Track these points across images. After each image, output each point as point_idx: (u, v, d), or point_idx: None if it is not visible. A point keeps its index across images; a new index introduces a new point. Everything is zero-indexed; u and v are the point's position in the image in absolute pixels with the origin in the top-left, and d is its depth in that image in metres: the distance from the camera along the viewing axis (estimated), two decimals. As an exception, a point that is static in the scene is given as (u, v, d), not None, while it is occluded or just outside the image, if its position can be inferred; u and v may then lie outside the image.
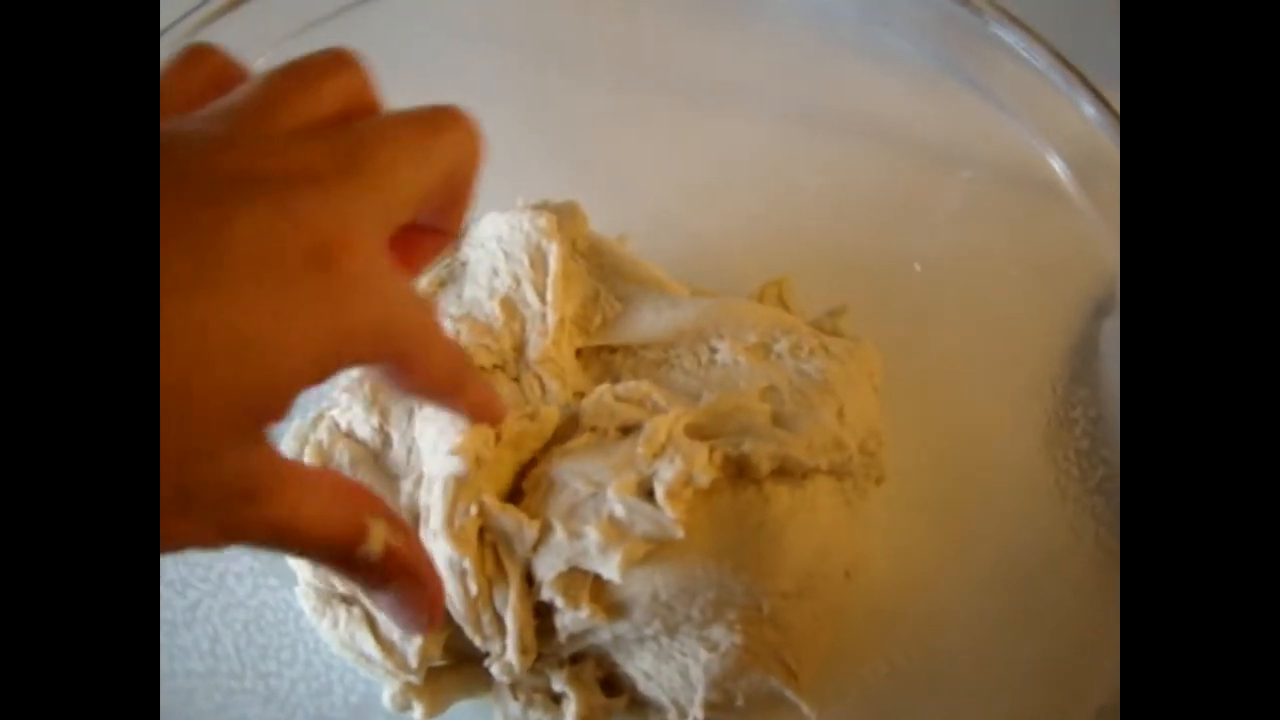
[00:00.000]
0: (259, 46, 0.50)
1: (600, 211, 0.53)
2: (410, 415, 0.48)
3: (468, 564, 0.43)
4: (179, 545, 0.26)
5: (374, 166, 0.28)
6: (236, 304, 0.24)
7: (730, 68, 0.55)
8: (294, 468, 0.29)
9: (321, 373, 0.27)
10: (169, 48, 0.45)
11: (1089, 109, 0.44)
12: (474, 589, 0.43)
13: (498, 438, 0.45)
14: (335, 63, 0.31)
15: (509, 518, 0.44)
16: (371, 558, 0.30)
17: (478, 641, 0.45)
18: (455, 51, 0.54)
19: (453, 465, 0.43)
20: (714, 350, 0.50)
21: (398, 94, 0.50)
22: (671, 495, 0.44)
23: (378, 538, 0.30)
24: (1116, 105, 0.43)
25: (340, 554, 0.30)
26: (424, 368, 0.30)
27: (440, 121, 0.31)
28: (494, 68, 0.54)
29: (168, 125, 0.28)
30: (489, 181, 0.52)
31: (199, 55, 0.31)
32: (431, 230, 0.34)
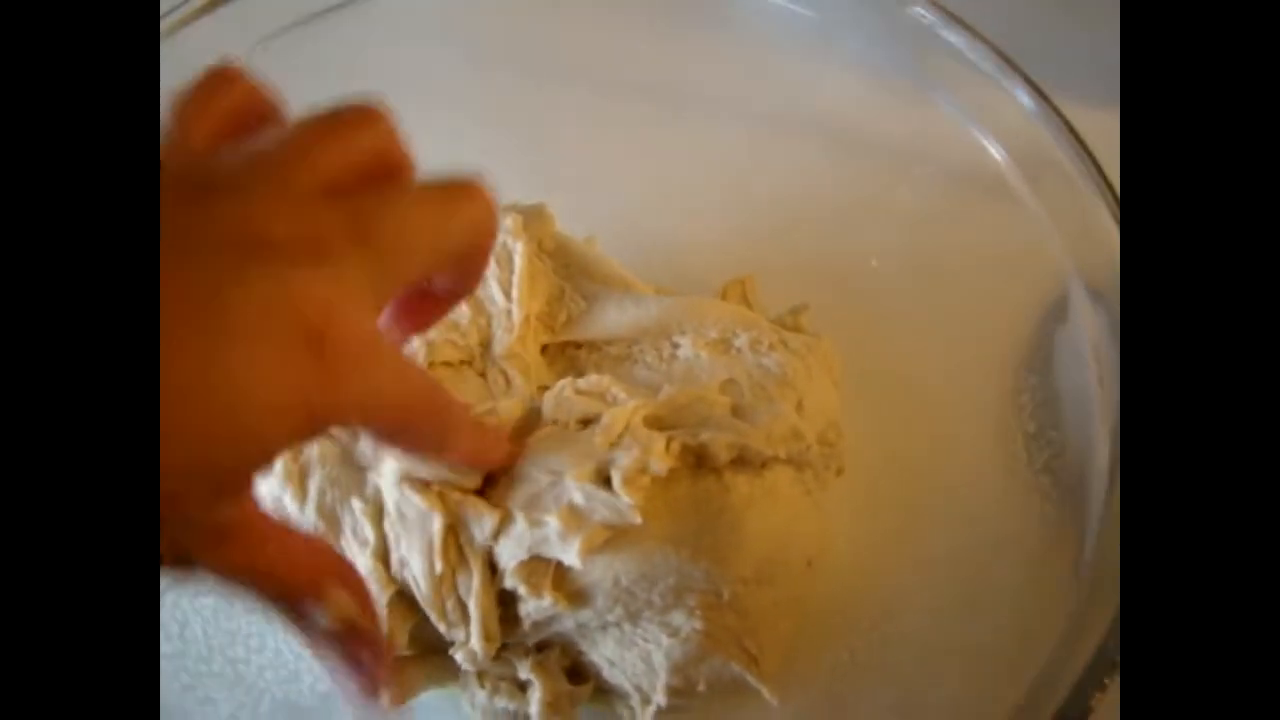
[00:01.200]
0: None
1: (568, 214, 0.54)
2: (378, 409, 0.50)
3: (435, 536, 0.44)
4: None
5: (384, 242, 0.29)
6: (229, 371, 0.25)
7: (694, 73, 0.57)
8: (266, 520, 0.30)
9: (309, 436, 0.28)
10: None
11: (1031, 107, 0.45)
12: (439, 567, 0.44)
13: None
14: (366, 118, 0.31)
15: (469, 506, 0.45)
16: (323, 620, 0.31)
17: (442, 628, 0.46)
18: (424, 56, 0.55)
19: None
20: (676, 346, 0.52)
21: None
22: (628, 482, 0.45)
23: (335, 603, 0.31)
24: (1057, 101, 0.45)
25: (292, 607, 0.31)
26: (410, 436, 0.32)
27: (458, 196, 0.32)
28: (463, 72, 0.56)
29: (187, 161, 0.28)
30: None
31: (224, 80, 0.31)
32: (443, 291, 0.35)
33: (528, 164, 0.58)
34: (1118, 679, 0.36)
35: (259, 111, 0.31)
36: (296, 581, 0.31)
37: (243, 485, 0.28)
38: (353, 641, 0.33)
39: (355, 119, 0.31)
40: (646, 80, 0.58)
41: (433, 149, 0.55)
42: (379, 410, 0.29)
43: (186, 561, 0.28)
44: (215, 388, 0.24)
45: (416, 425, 0.32)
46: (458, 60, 0.56)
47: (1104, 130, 0.44)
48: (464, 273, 0.34)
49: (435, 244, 0.31)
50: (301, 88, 0.50)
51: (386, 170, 0.31)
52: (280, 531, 0.31)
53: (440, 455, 0.35)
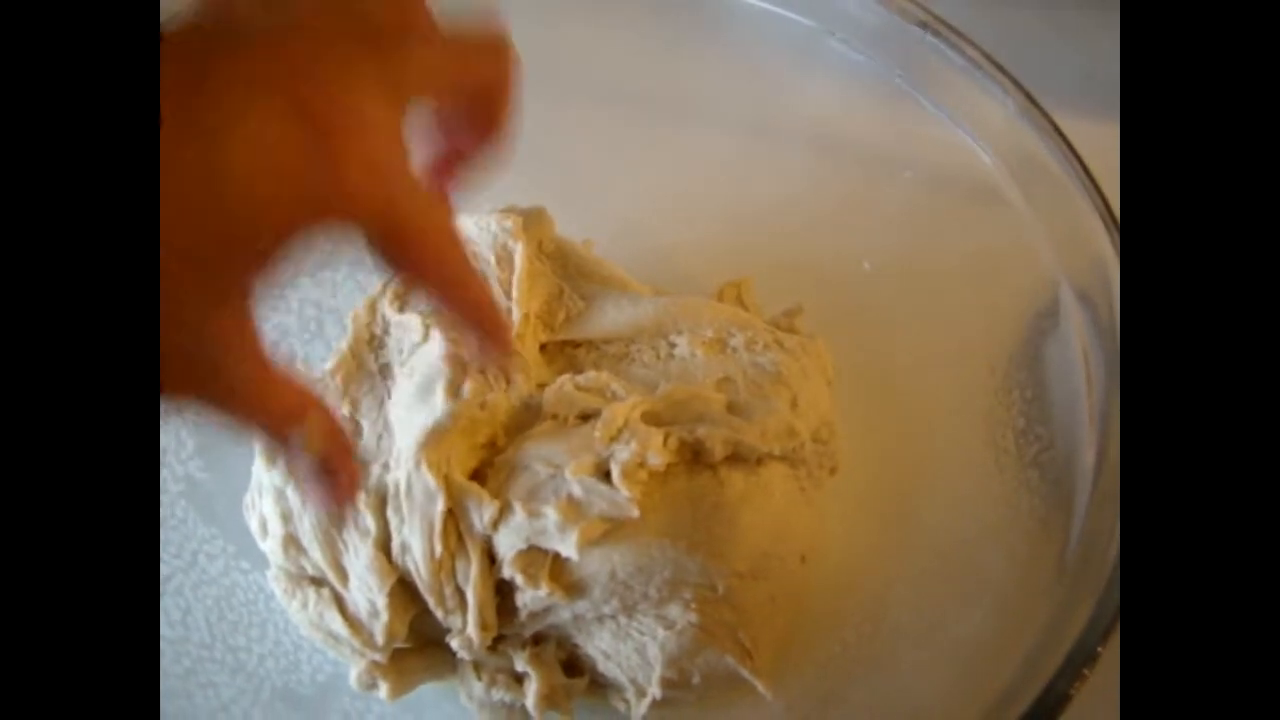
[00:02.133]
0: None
1: (566, 219, 0.55)
2: (380, 404, 0.50)
3: (437, 519, 0.45)
4: None
5: (394, 48, 0.28)
6: (218, 148, 0.24)
7: (687, 81, 0.58)
8: (255, 345, 0.29)
9: (307, 226, 0.27)
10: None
11: (1018, 109, 0.47)
12: (439, 551, 0.45)
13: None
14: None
15: (470, 493, 0.46)
16: (302, 446, 0.32)
17: (440, 615, 0.47)
18: None
19: (436, 414, 0.46)
20: (672, 345, 0.53)
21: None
22: (627, 475, 0.46)
23: (314, 429, 0.32)
24: (1045, 104, 0.46)
25: (274, 434, 0.31)
26: (420, 250, 0.30)
27: (481, 42, 0.32)
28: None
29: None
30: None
31: None
32: (469, 148, 0.35)
33: (523, 172, 0.58)
34: (1096, 668, 0.36)
35: None
36: (281, 409, 0.31)
37: (237, 289, 0.27)
38: (329, 461, 0.33)
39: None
40: (639, 88, 0.59)
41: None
42: (381, 203, 0.28)
43: (182, 390, 0.27)
44: (204, 164, 0.24)
45: (429, 243, 0.30)
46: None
47: (1096, 142, 0.46)
48: (484, 120, 0.34)
49: (434, 56, 0.30)
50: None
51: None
52: (265, 360, 0.31)
53: (450, 292, 0.32)
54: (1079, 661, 0.37)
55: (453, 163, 0.35)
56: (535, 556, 0.46)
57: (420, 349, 0.51)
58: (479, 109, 0.34)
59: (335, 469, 0.33)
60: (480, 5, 0.34)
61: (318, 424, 0.32)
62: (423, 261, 0.30)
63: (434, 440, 0.46)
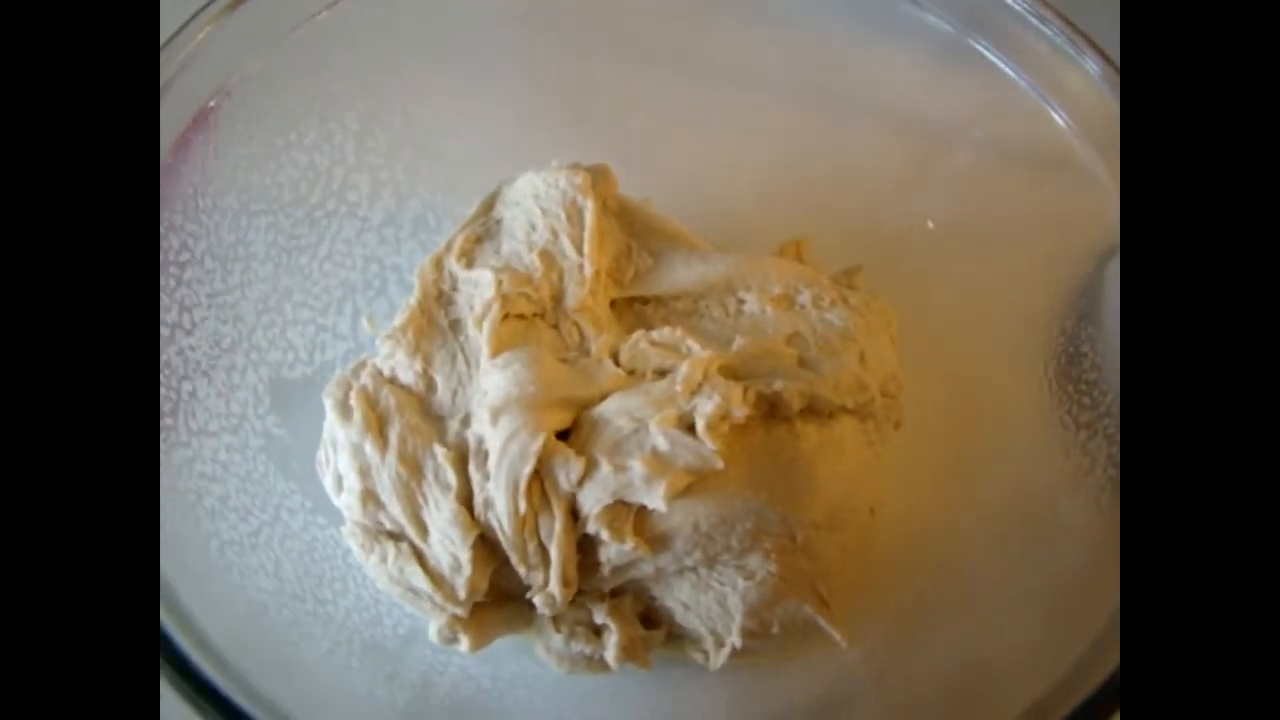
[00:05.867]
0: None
1: (625, 180, 0.55)
2: (453, 359, 0.50)
3: (523, 478, 0.45)
4: None
5: None
6: None
7: (752, 44, 0.58)
8: None
9: None
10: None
11: (1093, 68, 0.47)
12: (523, 508, 0.45)
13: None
14: None
15: (557, 452, 0.46)
16: None
17: (522, 571, 0.47)
18: (498, 34, 0.56)
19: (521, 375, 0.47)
20: (741, 301, 0.53)
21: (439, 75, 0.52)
22: (711, 428, 0.46)
23: None
24: (1118, 63, 0.47)
25: None
26: None
27: None
28: (533, 48, 0.56)
29: None
30: (522, 150, 0.55)
31: None
32: None
33: (586, 133, 0.59)
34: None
35: None
36: None
37: None
38: None
39: None
40: (701, 51, 0.59)
41: (491, 121, 0.57)
42: None
43: None
44: None
45: None
46: (528, 41, 0.57)
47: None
48: None
49: None
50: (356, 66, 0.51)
51: None
52: None
53: None
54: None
55: None
56: (620, 511, 0.47)
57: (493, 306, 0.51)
58: None
59: None
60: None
61: None
62: None
63: (524, 402, 0.46)
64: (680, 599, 0.49)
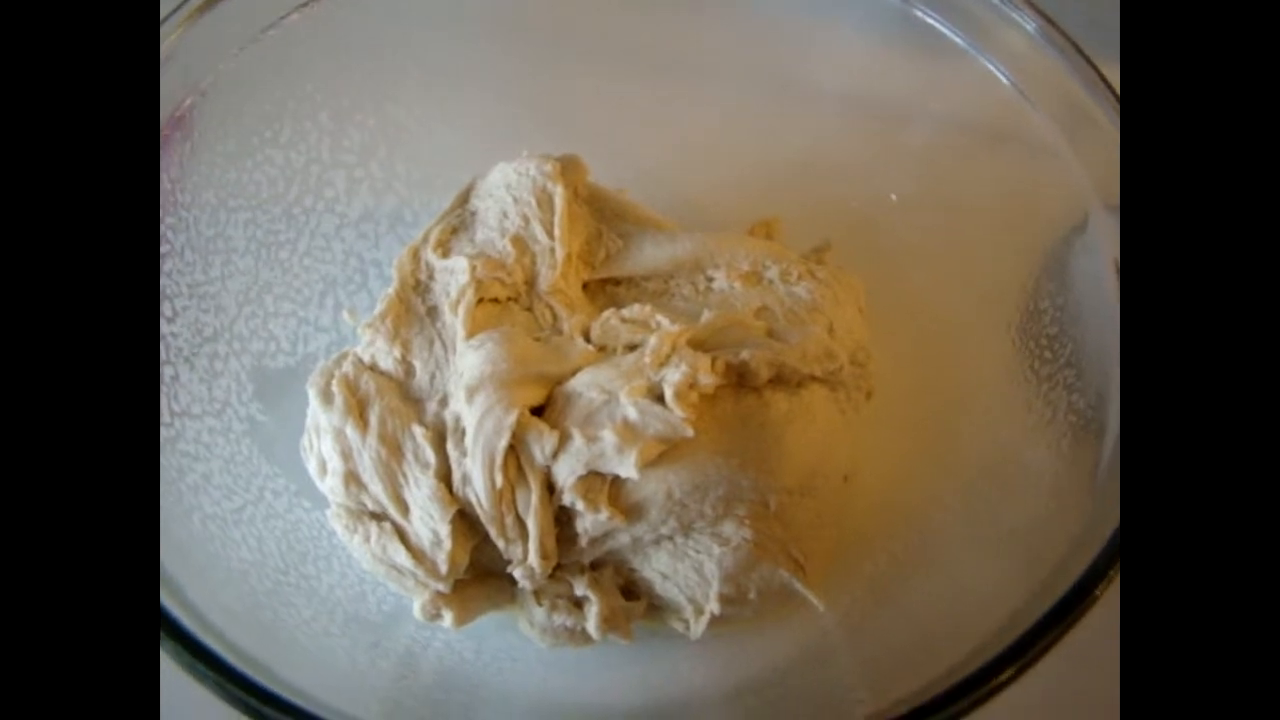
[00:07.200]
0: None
1: (598, 170, 0.57)
2: (431, 345, 0.52)
3: (499, 452, 0.46)
4: None
5: None
6: None
7: (713, 36, 0.59)
8: None
9: None
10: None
11: (1031, 27, 0.49)
12: (499, 482, 0.46)
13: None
14: None
15: (531, 427, 0.48)
16: None
17: (501, 545, 0.48)
18: (469, 32, 0.58)
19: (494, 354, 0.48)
20: (710, 279, 0.55)
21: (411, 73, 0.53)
22: (680, 396, 0.47)
23: None
24: (1065, 31, 0.49)
25: None
26: None
27: None
28: (503, 45, 0.58)
29: None
30: (497, 144, 0.57)
31: None
32: None
33: (559, 128, 0.60)
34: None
35: None
36: None
37: None
38: None
39: None
40: (665, 46, 0.61)
41: (464, 118, 0.58)
42: None
43: None
44: None
45: None
46: (498, 42, 0.58)
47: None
48: None
49: None
50: (328, 65, 0.53)
51: None
52: None
53: None
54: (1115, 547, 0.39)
55: None
56: (594, 481, 0.48)
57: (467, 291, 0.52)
58: None
59: None
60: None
61: None
62: None
63: (497, 379, 0.48)
64: (659, 569, 0.50)
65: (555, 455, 0.48)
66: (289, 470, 0.50)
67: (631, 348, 0.51)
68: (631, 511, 0.48)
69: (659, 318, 0.51)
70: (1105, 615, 0.38)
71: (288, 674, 0.37)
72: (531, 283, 0.53)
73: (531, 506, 0.48)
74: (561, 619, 0.50)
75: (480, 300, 0.52)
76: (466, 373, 0.49)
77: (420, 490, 0.48)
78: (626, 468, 0.47)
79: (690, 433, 0.47)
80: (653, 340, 0.49)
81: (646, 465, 0.47)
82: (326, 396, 0.50)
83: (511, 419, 0.47)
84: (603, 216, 0.56)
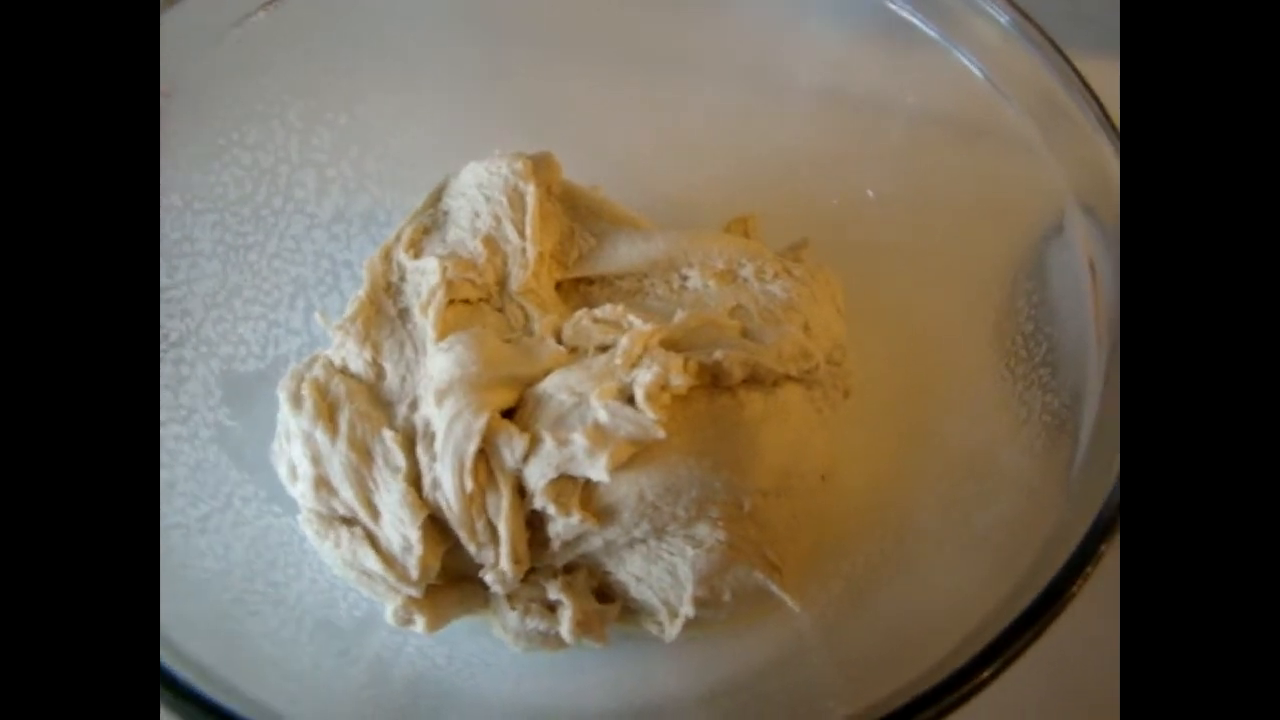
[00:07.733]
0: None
1: (572, 167, 0.56)
2: (402, 347, 0.51)
3: (469, 455, 0.46)
4: None
5: None
6: None
7: (689, 33, 0.59)
8: None
9: None
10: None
11: (1004, 20, 0.48)
12: (469, 486, 0.46)
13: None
14: None
15: (501, 430, 0.47)
16: None
17: (472, 549, 0.48)
18: (439, 29, 0.57)
19: (464, 357, 0.47)
20: (684, 277, 0.54)
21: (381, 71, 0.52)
22: (650, 397, 0.47)
23: None
24: (1039, 25, 0.48)
25: None
26: None
27: None
28: (474, 42, 0.58)
29: None
30: (470, 143, 0.56)
31: None
32: None
33: (530, 124, 0.60)
34: (1114, 551, 0.38)
35: None
36: None
37: None
38: None
39: None
40: (640, 42, 0.60)
41: (437, 116, 0.58)
42: None
43: None
44: None
45: None
46: (468, 37, 0.58)
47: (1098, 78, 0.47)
48: None
49: None
50: (296, 64, 0.52)
51: None
52: None
53: None
54: (1098, 536, 0.38)
55: None
56: (565, 485, 0.47)
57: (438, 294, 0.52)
58: None
59: None
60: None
61: None
62: None
63: (467, 382, 0.47)
64: (632, 572, 0.49)
65: (526, 458, 0.47)
66: (258, 476, 0.49)
67: (604, 348, 0.50)
68: (604, 514, 0.47)
69: (631, 318, 0.50)
70: (1106, 615, 0.37)
71: (251, 689, 0.36)
72: (503, 283, 0.53)
73: (503, 511, 0.47)
74: (535, 623, 0.49)
75: (451, 301, 0.52)
76: (436, 376, 0.48)
77: (390, 495, 0.48)
78: (598, 471, 0.46)
79: (661, 434, 0.46)
80: (624, 341, 0.49)
81: (618, 468, 0.47)
82: (296, 400, 0.50)
83: (481, 423, 0.47)
84: (576, 215, 0.56)
